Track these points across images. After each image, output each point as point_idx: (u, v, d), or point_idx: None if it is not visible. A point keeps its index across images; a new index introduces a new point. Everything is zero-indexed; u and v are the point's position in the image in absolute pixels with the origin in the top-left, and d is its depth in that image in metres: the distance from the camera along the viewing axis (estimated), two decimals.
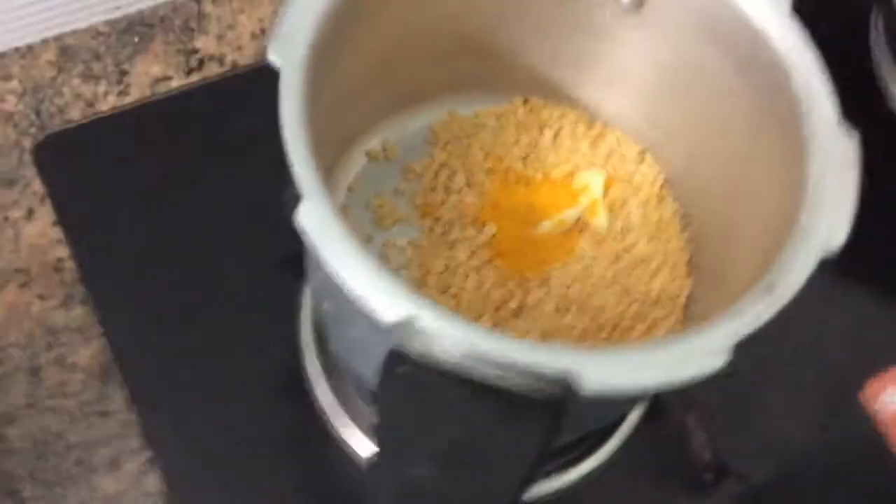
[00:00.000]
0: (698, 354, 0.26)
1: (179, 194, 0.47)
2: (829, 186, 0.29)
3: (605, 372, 0.26)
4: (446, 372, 0.27)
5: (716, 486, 0.44)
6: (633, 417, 0.44)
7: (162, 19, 0.59)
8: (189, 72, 0.59)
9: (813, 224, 0.29)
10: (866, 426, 0.46)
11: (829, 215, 0.29)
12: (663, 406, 0.46)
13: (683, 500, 0.44)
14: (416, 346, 0.27)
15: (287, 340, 0.45)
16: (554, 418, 0.27)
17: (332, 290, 0.27)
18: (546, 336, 0.38)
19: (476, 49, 0.41)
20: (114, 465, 0.52)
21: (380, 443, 0.26)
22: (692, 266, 0.40)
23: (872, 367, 0.47)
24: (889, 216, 0.51)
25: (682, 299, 0.40)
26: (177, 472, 0.42)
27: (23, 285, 0.52)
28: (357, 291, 0.26)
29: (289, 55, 0.29)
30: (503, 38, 0.40)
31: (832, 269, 0.48)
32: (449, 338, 0.26)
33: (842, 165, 0.30)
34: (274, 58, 0.29)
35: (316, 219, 0.27)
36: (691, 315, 0.40)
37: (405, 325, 0.26)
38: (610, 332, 0.39)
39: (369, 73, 0.38)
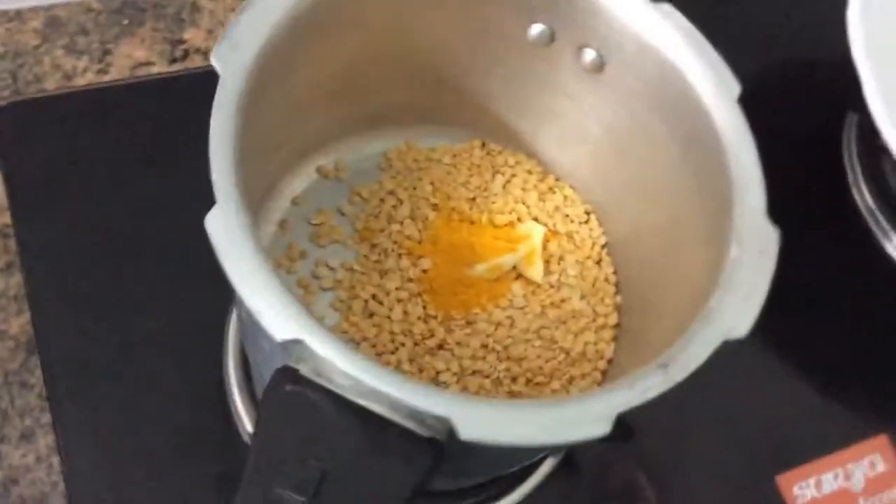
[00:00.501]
0: (581, 419, 0.26)
1: (130, 183, 0.47)
2: (744, 273, 0.29)
3: (484, 423, 0.26)
4: (334, 396, 0.27)
5: None
6: (547, 467, 0.44)
7: (155, 6, 0.59)
8: (172, 61, 0.59)
9: (720, 308, 0.29)
10: None
11: (739, 302, 0.29)
12: (578, 461, 0.45)
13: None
14: (306, 367, 0.27)
15: (214, 342, 0.44)
16: (434, 458, 0.27)
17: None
18: (461, 377, 0.38)
19: (441, 85, 0.41)
20: (25, 437, 0.51)
21: (252, 458, 0.26)
22: (619, 330, 0.40)
23: (792, 456, 0.48)
24: (831, 308, 0.52)
25: (604, 362, 0.40)
26: (81, 459, 0.42)
27: None
28: (252, 306, 0.26)
29: (232, 62, 0.29)
30: (469, 79, 0.41)
31: (768, 355, 0.49)
32: (336, 366, 0.26)
33: (760, 254, 0.30)
34: (216, 62, 0.29)
35: (223, 227, 0.26)
36: (610, 378, 0.40)
37: (295, 346, 0.26)
38: (526, 383, 0.39)
39: (328, 90, 0.38)
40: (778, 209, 0.53)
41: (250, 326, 0.33)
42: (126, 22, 0.59)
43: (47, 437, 0.48)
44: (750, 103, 0.54)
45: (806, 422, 0.49)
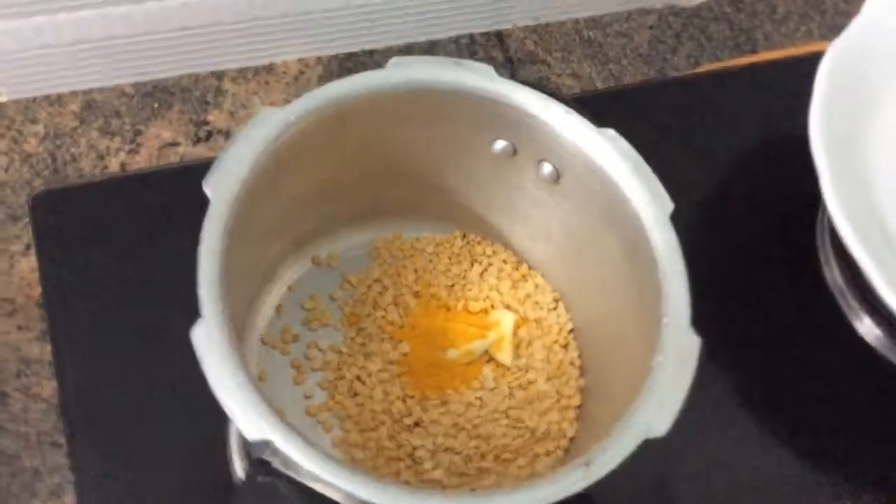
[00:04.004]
0: None
1: (152, 263, 0.52)
2: (664, 379, 0.33)
3: None
4: (300, 486, 0.31)
5: None
6: None
7: (183, 89, 0.65)
8: (197, 141, 0.65)
9: (641, 411, 0.33)
10: None
11: (658, 406, 0.33)
12: None
13: None
14: (276, 461, 0.31)
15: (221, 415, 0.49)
16: None
17: None
18: (435, 453, 0.42)
19: (421, 184, 0.45)
20: (54, 494, 0.56)
21: None
22: (581, 410, 0.44)
23: None
24: (806, 382, 0.55)
25: (565, 441, 0.43)
26: None
27: (7, 314, 0.57)
28: (228, 408, 0.31)
29: (221, 189, 0.34)
30: (445, 181, 0.45)
31: (746, 426, 0.52)
32: (299, 463, 0.30)
33: (681, 361, 0.34)
34: (207, 189, 0.34)
35: (206, 339, 0.31)
36: (571, 456, 0.43)
37: (264, 444, 0.30)
38: (494, 459, 0.43)
39: (315, 195, 0.43)
40: (753, 285, 0.56)
41: None
42: (156, 105, 0.65)
43: (75, 494, 0.53)
44: (729, 181, 0.58)
45: (780, 494, 0.51)
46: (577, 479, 0.31)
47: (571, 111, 0.38)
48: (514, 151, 0.41)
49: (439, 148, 0.43)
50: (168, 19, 0.61)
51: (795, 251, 0.59)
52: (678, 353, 0.34)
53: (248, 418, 0.30)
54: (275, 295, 0.46)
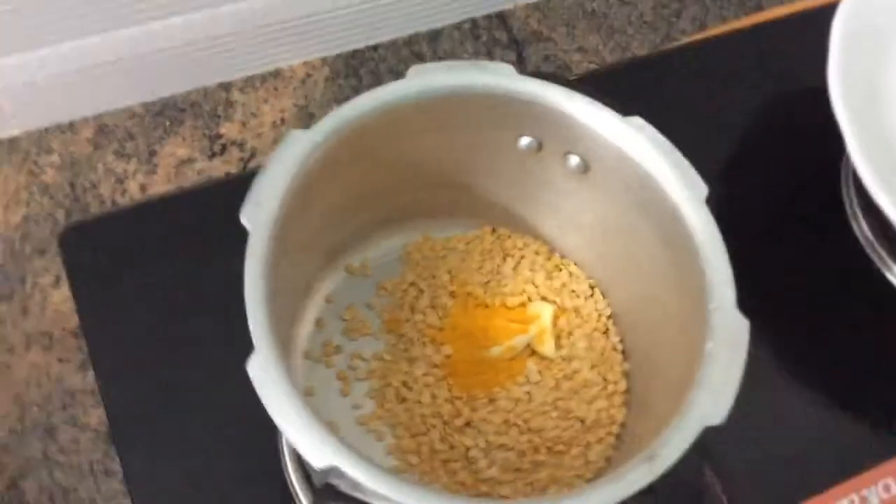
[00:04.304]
0: None
1: (184, 285, 0.52)
2: (717, 366, 0.33)
3: None
4: None
5: None
6: None
7: (192, 104, 0.65)
8: (212, 155, 0.65)
9: (697, 402, 0.33)
10: None
11: (713, 395, 0.33)
12: None
13: None
14: (344, 484, 0.31)
15: (272, 437, 0.49)
16: None
17: None
18: (488, 451, 0.43)
19: (449, 185, 0.45)
20: None
21: None
22: (629, 395, 0.44)
23: (806, 486, 0.51)
24: (840, 336, 0.55)
25: (616, 427, 0.44)
26: None
27: (46, 348, 0.58)
28: (292, 439, 0.31)
29: (258, 219, 0.34)
30: (473, 180, 0.45)
31: (798, 383, 0.52)
32: (366, 485, 0.31)
33: (732, 347, 0.34)
34: (244, 221, 0.34)
35: (262, 371, 0.31)
36: (623, 441, 0.44)
37: (331, 471, 0.31)
38: (547, 452, 0.43)
39: (346, 206, 0.43)
40: (780, 244, 0.56)
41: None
42: (168, 123, 0.65)
43: None
44: (749, 144, 0.57)
45: (817, 451, 0.52)
46: (644, 474, 0.31)
47: (595, 102, 0.38)
48: (540, 146, 0.41)
49: (464, 149, 0.42)
50: (172, 37, 0.61)
51: (821, 207, 0.59)
52: (728, 338, 0.34)
53: (312, 447, 0.31)
54: (313, 309, 0.46)
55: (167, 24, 0.61)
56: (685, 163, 0.37)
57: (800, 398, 0.53)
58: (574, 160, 0.41)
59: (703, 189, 0.37)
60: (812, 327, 0.54)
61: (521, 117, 0.40)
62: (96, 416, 0.57)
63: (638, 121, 0.38)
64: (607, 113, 0.38)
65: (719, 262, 0.35)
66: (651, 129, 0.38)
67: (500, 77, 0.38)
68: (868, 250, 0.57)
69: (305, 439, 0.31)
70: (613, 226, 0.42)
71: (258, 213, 0.34)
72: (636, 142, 0.38)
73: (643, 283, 0.42)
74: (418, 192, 0.45)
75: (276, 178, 0.35)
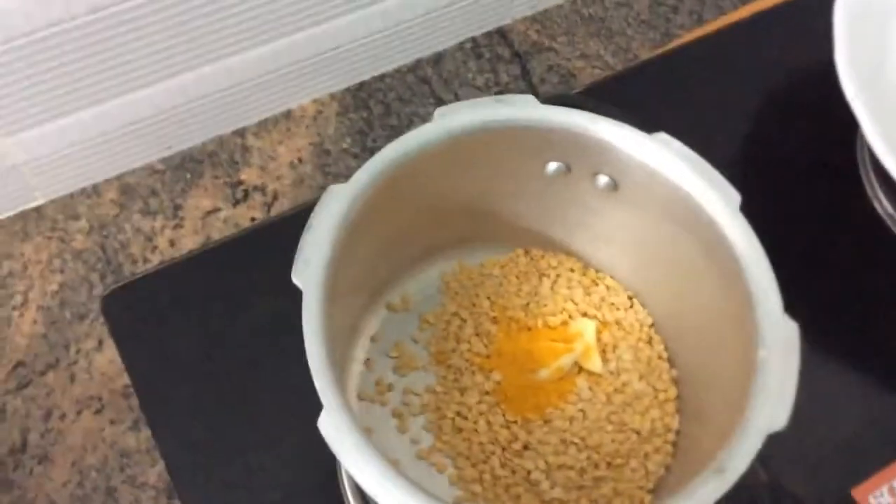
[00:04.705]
0: None
1: (227, 335, 0.53)
2: (773, 373, 0.34)
3: None
4: None
5: None
6: None
7: (210, 154, 0.66)
8: (236, 203, 0.66)
9: (758, 411, 0.33)
10: None
11: (772, 402, 0.33)
12: None
13: None
14: None
15: (328, 477, 0.50)
16: None
17: None
18: (549, 472, 0.44)
19: (480, 214, 0.46)
20: None
21: None
22: (680, 401, 0.45)
23: (862, 466, 0.51)
24: (879, 314, 0.55)
25: (671, 435, 0.44)
26: None
27: (97, 412, 0.59)
28: (372, 492, 0.32)
29: (309, 278, 0.35)
30: (503, 206, 0.46)
31: (839, 368, 0.52)
32: None
33: (785, 352, 0.34)
34: (297, 280, 0.35)
35: (334, 429, 0.32)
36: (679, 447, 0.44)
37: None
38: (607, 467, 0.44)
39: (386, 247, 0.44)
40: (802, 227, 0.56)
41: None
42: (188, 176, 0.65)
43: None
44: (762, 131, 0.58)
45: (872, 431, 0.52)
46: (716, 488, 0.32)
47: (620, 123, 0.39)
48: (568, 169, 0.42)
49: (494, 180, 0.43)
50: (186, 92, 0.62)
51: (840, 185, 0.60)
52: (780, 343, 0.35)
53: (393, 499, 0.31)
54: (361, 349, 0.47)
55: (180, 81, 0.62)
56: (715, 173, 0.38)
57: (843, 384, 0.53)
58: (603, 180, 0.41)
59: (735, 198, 0.37)
60: (845, 311, 0.55)
61: (547, 145, 0.41)
62: (154, 473, 0.57)
63: (663, 136, 0.39)
64: (633, 132, 0.38)
65: (761, 270, 0.36)
66: (677, 144, 0.38)
67: (523, 109, 0.39)
68: (889, 223, 0.57)
69: (386, 493, 0.31)
70: (648, 239, 0.42)
71: (308, 271, 0.35)
72: (664, 158, 0.38)
73: (684, 291, 0.43)
74: (451, 224, 0.46)
75: (321, 234, 0.36)
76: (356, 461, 0.32)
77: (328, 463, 0.49)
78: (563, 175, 0.42)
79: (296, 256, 0.36)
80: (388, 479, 0.32)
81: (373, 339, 0.47)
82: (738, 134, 0.60)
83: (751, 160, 0.58)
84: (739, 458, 0.33)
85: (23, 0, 0.47)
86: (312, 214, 0.36)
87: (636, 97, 0.59)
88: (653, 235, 0.42)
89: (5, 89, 0.56)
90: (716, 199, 0.37)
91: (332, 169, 0.67)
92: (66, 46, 0.54)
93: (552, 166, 0.42)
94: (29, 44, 0.52)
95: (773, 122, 0.61)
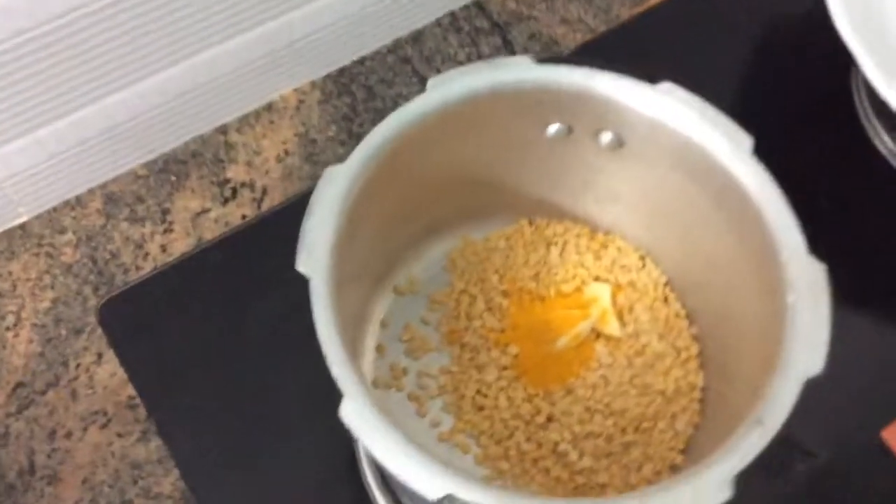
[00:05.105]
0: (704, 492, 0.30)
1: (227, 333, 0.52)
2: (804, 317, 0.33)
3: None
4: None
5: (787, 465, 0.46)
6: None
7: (193, 154, 0.64)
8: (225, 202, 0.64)
9: (793, 357, 0.32)
10: (886, 462, 0.49)
11: (806, 347, 0.32)
12: None
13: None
14: None
15: (348, 467, 0.48)
16: None
17: None
18: (576, 442, 0.42)
19: (484, 184, 0.45)
20: None
21: None
22: (702, 358, 0.44)
23: (893, 409, 0.50)
24: (889, 247, 0.55)
25: (697, 392, 0.43)
26: None
27: (103, 426, 0.57)
28: (402, 476, 0.30)
29: (314, 265, 0.34)
30: (503, 175, 0.44)
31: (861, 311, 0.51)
32: None
33: (814, 294, 0.33)
34: (302, 269, 0.34)
35: (357, 415, 0.31)
36: (706, 404, 0.43)
37: (447, 500, 0.30)
38: (635, 431, 0.43)
39: (388, 226, 0.42)
40: (807, 172, 0.55)
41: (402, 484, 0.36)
42: (173, 178, 0.64)
43: None
44: (758, 76, 0.56)
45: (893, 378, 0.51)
46: (758, 439, 0.31)
47: (622, 76, 0.37)
48: (570, 130, 0.41)
49: (492, 148, 0.42)
50: (164, 91, 0.60)
51: (840, 127, 0.59)
52: (808, 286, 0.33)
53: (424, 481, 0.30)
54: (371, 336, 0.45)
55: (155, 80, 0.60)
56: (724, 118, 0.36)
57: (866, 324, 0.52)
58: (607, 137, 0.40)
59: (747, 141, 0.36)
60: (858, 252, 0.54)
61: (546, 106, 0.39)
62: (168, 483, 0.56)
63: (666, 85, 0.37)
64: (637, 84, 0.37)
65: (781, 212, 0.35)
66: (683, 92, 0.37)
67: (519, 70, 0.38)
68: (891, 160, 0.56)
69: (416, 475, 0.30)
70: (656, 194, 0.41)
71: (313, 258, 0.34)
72: (671, 107, 0.37)
73: (697, 244, 0.42)
74: (452, 199, 0.45)
75: (323, 219, 0.35)
76: (385, 447, 0.31)
77: (346, 452, 0.48)
78: (565, 137, 0.41)
79: (299, 244, 0.34)
80: (422, 464, 0.31)
81: (382, 325, 0.46)
82: (732, 84, 0.59)
83: (748, 109, 0.57)
84: (778, 407, 0.31)
85: None
86: (312, 199, 0.35)
87: (623, 57, 0.58)
88: (661, 190, 0.41)
89: None
90: (727, 144, 0.36)
91: (321, 158, 0.66)
92: (35, 55, 0.52)
93: (553, 128, 0.41)
94: None
95: (768, 70, 0.60)
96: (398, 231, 0.44)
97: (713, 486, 0.30)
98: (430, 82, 0.37)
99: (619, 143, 0.40)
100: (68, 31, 0.53)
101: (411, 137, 0.38)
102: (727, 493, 0.30)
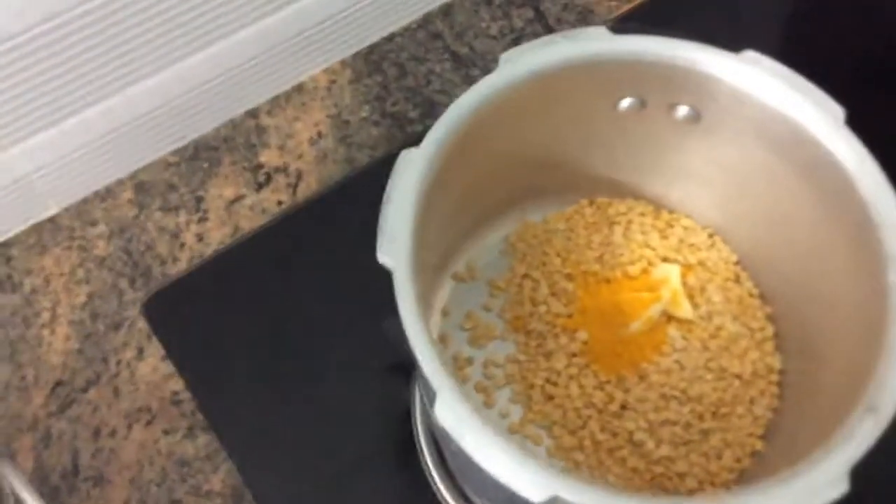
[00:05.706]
0: (819, 488, 0.29)
1: (273, 320, 0.50)
2: None
3: None
4: None
5: None
6: None
7: (225, 139, 0.62)
8: (259, 188, 0.62)
9: None
10: None
11: None
12: None
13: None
14: None
15: (406, 450, 0.47)
16: None
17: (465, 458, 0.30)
18: (652, 431, 0.41)
19: (544, 166, 0.43)
20: None
21: None
22: (779, 340, 0.42)
23: None
24: None
25: (775, 375, 0.42)
26: None
27: (147, 423, 0.56)
28: (502, 478, 0.29)
29: (397, 255, 0.32)
30: (568, 153, 0.42)
31: None
32: None
33: None
34: (384, 259, 0.32)
35: (452, 414, 0.29)
36: (786, 387, 0.42)
37: (551, 502, 0.29)
38: (713, 418, 0.41)
39: (455, 209, 0.41)
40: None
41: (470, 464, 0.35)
42: (206, 165, 0.62)
43: None
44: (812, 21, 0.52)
45: None
46: (874, 427, 0.29)
47: (704, 46, 0.35)
48: (643, 105, 0.39)
49: (562, 125, 0.40)
50: (192, 77, 0.58)
51: None
52: None
53: (528, 483, 0.29)
54: (433, 326, 0.44)
55: (184, 66, 0.58)
56: (814, 88, 0.35)
57: None
58: (683, 110, 0.38)
59: (838, 111, 0.34)
60: None
61: (621, 79, 0.37)
62: (218, 480, 0.55)
63: (751, 54, 0.35)
64: (720, 54, 0.35)
65: (878, 185, 0.33)
66: (767, 60, 0.35)
67: (594, 42, 0.36)
68: None
69: (519, 477, 0.29)
70: (734, 170, 0.39)
71: (395, 248, 0.32)
72: (751, 76, 0.35)
73: (777, 221, 0.40)
74: (512, 180, 0.43)
75: (402, 206, 0.33)
76: (485, 449, 0.29)
77: (403, 436, 0.47)
78: (637, 112, 0.39)
79: (378, 233, 0.32)
80: (524, 466, 0.29)
81: (443, 313, 0.44)
82: (808, 51, 0.56)
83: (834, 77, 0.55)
84: (890, 392, 0.30)
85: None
86: (389, 184, 0.33)
87: (672, 23, 0.56)
88: (741, 165, 0.39)
89: (3, 95, 0.52)
90: (818, 115, 0.34)
91: (355, 139, 0.64)
92: (62, 43, 0.50)
93: (625, 103, 0.39)
94: (24, 43, 0.48)
95: (846, 27, 0.57)
96: (461, 216, 0.42)
97: (827, 480, 0.29)
98: (503, 57, 0.35)
99: (695, 117, 0.38)
100: (94, 18, 0.50)
101: (483, 117, 0.36)
102: (843, 486, 0.29)
